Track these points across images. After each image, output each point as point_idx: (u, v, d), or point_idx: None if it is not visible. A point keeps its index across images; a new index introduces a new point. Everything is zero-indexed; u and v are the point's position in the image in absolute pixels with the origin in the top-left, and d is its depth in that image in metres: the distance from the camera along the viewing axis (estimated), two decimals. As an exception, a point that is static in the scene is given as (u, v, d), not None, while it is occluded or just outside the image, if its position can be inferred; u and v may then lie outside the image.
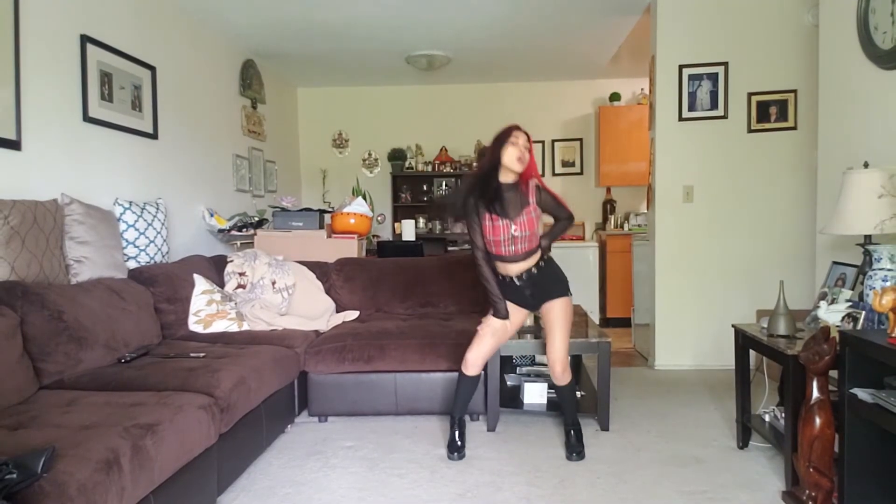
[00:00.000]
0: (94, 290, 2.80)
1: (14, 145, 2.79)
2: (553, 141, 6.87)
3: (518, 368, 3.79)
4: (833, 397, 2.18)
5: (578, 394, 3.41)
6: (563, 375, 2.84)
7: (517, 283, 2.83)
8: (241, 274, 3.81)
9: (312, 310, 3.84)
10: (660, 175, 4.46)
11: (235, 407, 2.46)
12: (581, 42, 5.41)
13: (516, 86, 6.79)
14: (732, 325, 2.93)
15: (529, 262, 2.80)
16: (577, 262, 6.07)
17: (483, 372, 3.21)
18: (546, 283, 2.82)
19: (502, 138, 2.72)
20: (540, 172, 6.84)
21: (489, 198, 2.73)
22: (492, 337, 2.87)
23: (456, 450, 2.83)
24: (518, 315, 2.92)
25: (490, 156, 2.74)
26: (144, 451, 1.83)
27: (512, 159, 2.69)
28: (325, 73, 6.39)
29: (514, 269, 2.81)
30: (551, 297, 2.81)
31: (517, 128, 2.74)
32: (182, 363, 2.65)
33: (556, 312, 2.79)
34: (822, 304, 2.51)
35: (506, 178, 2.75)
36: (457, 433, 2.87)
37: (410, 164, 6.87)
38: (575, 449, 2.82)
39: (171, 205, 4.07)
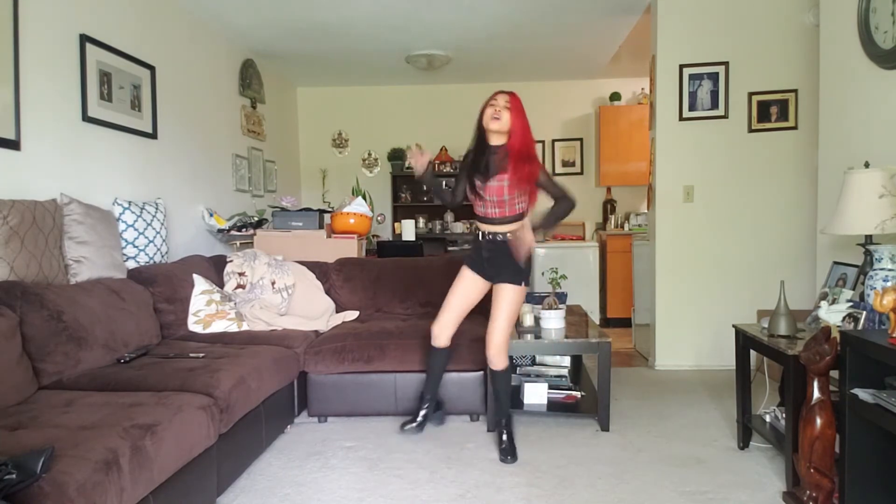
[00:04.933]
0: (94, 290, 2.79)
1: (13, 145, 2.79)
2: (553, 141, 6.87)
3: (518, 368, 3.78)
4: (834, 398, 2.17)
5: (578, 394, 3.41)
6: (496, 358, 2.86)
7: (481, 239, 2.88)
8: (241, 274, 3.81)
9: (312, 310, 3.84)
10: (660, 175, 4.46)
11: (235, 407, 2.45)
12: (581, 42, 5.41)
13: (516, 86, 6.71)
14: (733, 326, 2.93)
15: (498, 228, 2.83)
16: (577, 262, 6.06)
17: (483, 371, 3.22)
18: (505, 258, 2.81)
19: (486, 101, 2.83)
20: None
21: (476, 158, 2.85)
22: (456, 302, 2.96)
23: (411, 421, 3.05)
24: (477, 283, 2.95)
25: (477, 119, 2.86)
26: (144, 452, 1.82)
27: (487, 119, 2.79)
28: (325, 73, 6.39)
29: (484, 227, 2.88)
30: (503, 278, 2.84)
31: (500, 91, 2.82)
32: (181, 363, 2.64)
33: (503, 297, 2.84)
34: (823, 304, 2.51)
35: (493, 140, 2.81)
36: (423, 410, 3.06)
37: (410, 163, 6.85)
38: (508, 452, 2.80)
39: (170, 205, 4.06)
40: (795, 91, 4.29)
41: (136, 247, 3.39)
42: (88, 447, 1.68)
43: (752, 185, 4.37)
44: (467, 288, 2.96)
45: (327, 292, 4.03)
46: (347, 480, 2.61)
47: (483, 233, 2.87)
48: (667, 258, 4.47)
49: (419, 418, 3.06)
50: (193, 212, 4.46)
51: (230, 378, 2.50)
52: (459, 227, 6.79)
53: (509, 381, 2.95)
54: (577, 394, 3.41)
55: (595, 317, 6.13)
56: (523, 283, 2.85)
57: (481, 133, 2.85)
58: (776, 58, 4.30)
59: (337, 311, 3.98)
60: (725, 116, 4.37)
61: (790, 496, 2.34)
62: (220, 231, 4.52)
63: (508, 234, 2.80)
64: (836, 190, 2.77)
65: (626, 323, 5.86)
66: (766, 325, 2.65)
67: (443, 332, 2.99)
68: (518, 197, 2.77)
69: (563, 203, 2.81)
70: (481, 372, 3.24)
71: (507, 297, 2.83)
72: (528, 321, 3.42)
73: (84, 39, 3.25)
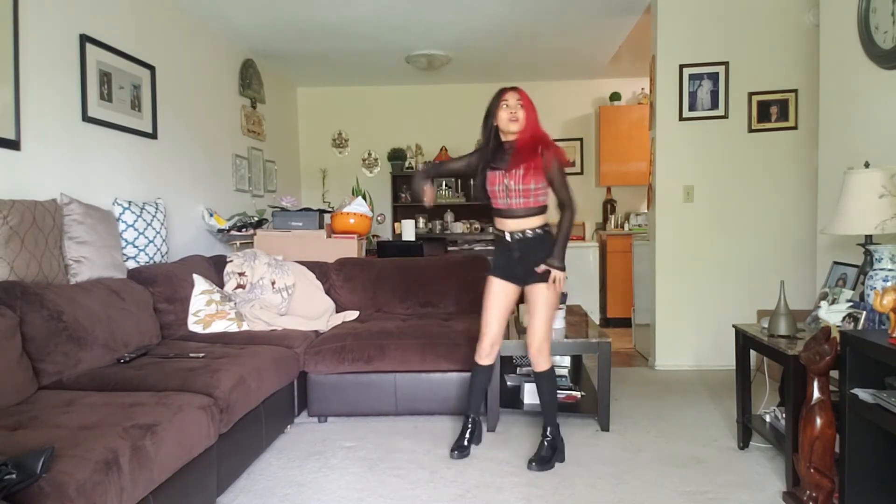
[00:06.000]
0: (94, 290, 2.79)
1: (13, 145, 2.79)
2: (553, 141, 6.85)
3: (518, 368, 3.79)
4: (834, 398, 2.17)
5: (578, 394, 3.41)
6: (538, 358, 2.76)
7: (509, 240, 2.74)
8: (241, 274, 3.81)
9: (312, 310, 3.84)
10: (660, 175, 4.46)
11: (235, 407, 2.45)
12: (581, 42, 5.41)
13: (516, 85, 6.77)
14: (733, 326, 2.93)
15: (525, 223, 2.72)
16: (577, 262, 6.06)
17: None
18: (537, 256, 2.72)
19: (494, 103, 2.75)
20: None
21: (490, 153, 2.78)
22: (495, 318, 2.83)
23: (458, 448, 2.84)
24: (508, 291, 2.82)
25: (486, 124, 2.78)
26: (144, 452, 1.82)
27: (505, 122, 2.71)
28: (325, 73, 6.39)
29: (508, 225, 2.74)
30: (536, 278, 2.72)
31: (507, 89, 2.76)
32: (181, 363, 2.64)
33: (539, 297, 2.74)
34: (823, 304, 2.51)
35: (509, 137, 2.76)
36: (467, 432, 2.89)
37: (410, 163, 6.87)
38: (541, 458, 2.71)
39: (170, 205, 4.06)
40: (795, 91, 4.29)
41: (136, 247, 3.39)
42: (88, 447, 1.68)
43: (752, 185, 4.37)
44: (501, 299, 2.82)
45: (327, 292, 4.03)
46: (347, 480, 2.61)
47: (511, 233, 2.74)
48: (667, 258, 4.47)
49: (465, 443, 2.88)
50: (193, 212, 4.46)
51: (230, 378, 2.50)
52: (459, 227, 6.79)
53: (553, 384, 2.83)
54: (577, 394, 3.41)
55: (595, 317, 6.13)
56: None
57: (495, 132, 2.78)
58: (776, 58, 4.30)
59: (337, 311, 3.98)
60: (725, 116, 4.37)
61: (790, 496, 2.34)
62: (220, 231, 4.52)
63: (539, 230, 2.72)
64: (836, 190, 2.77)
65: (626, 323, 5.86)
66: (766, 325, 2.65)
67: (493, 349, 2.87)
68: (541, 188, 2.70)
69: (565, 216, 2.71)
70: (481, 372, 3.24)
71: (542, 296, 2.73)
72: (528, 321, 3.41)
73: (84, 39, 3.25)
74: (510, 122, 2.70)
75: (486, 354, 2.88)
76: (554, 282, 2.70)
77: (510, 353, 3.27)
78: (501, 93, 2.75)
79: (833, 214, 2.55)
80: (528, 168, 2.67)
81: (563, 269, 2.69)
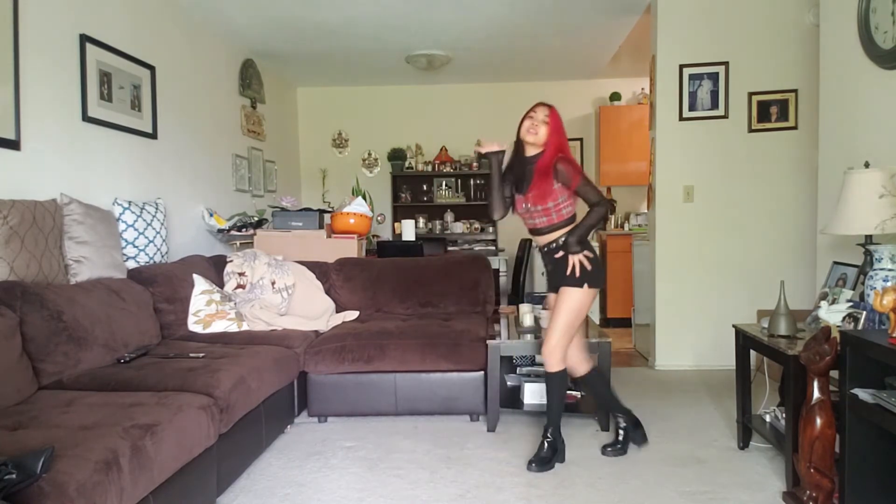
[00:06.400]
0: (94, 290, 2.79)
1: (13, 145, 2.79)
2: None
3: (518, 368, 3.78)
4: (834, 398, 2.17)
5: (577, 394, 3.40)
6: (546, 360, 2.72)
7: (541, 253, 2.87)
8: (241, 274, 3.81)
9: (312, 310, 3.84)
10: (660, 175, 4.46)
11: (235, 407, 2.45)
12: (581, 42, 5.41)
13: (516, 86, 6.78)
14: (733, 326, 2.93)
15: (552, 237, 2.76)
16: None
17: (484, 371, 3.22)
18: (564, 264, 2.72)
19: (526, 113, 2.80)
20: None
21: (513, 172, 2.83)
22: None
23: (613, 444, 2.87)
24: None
25: (517, 132, 2.83)
26: (144, 452, 1.82)
27: (524, 131, 2.78)
28: (325, 73, 6.39)
29: (538, 241, 2.85)
30: (563, 282, 2.72)
31: (541, 103, 2.81)
32: (181, 363, 2.64)
33: (560, 300, 2.73)
34: (823, 304, 2.51)
35: (529, 151, 2.79)
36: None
37: (410, 163, 6.87)
38: (541, 459, 2.70)
39: (170, 205, 4.06)
40: (795, 91, 4.29)
41: (136, 247, 3.39)
42: (88, 447, 1.68)
43: (752, 185, 4.37)
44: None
45: (327, 292, 4.03)
46: (347, 480, 2.61)
47: (539, 247, 2.83)
48: (667, 258, 4.47)
49: (619, 444, 2.87)
50: (193, 212, 4.46)
51: (230, 378, 2.50)
52: (459, 227, 6.79)
53: (561, 386, 2.76)
54: (577, 394, 3.41)
55: (595, 317, 6.13)
56: (585, 285, 2.68)
57: (519, 144, 2.82)
58: (776, 58, 4.30)
59: (337, 311, 3.98)
60: (725, 116, 4.37)
61: (790, 496, 2.34)
62: (220, 231, 4.52)
63: (561, 240, 2.73)
64: (836, 190, 2.77)
65: (626, 323, 5.85)
66: (766, 325, 2.65)
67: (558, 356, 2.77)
68: (562, 203, 2.70)
69: (591, 212, 2.69)
70: (481, 372, 3.25)
71: (564, 299, 2.71)
72: (528, 321, 3.42)
73: (84, 39, 3.25)
74: (527, 133, 2.75)
75: (552, 365, 2.78)
76: (573, 268, 2.69)
77: (510, 353, 3.27)
78: (535, 105, 2.80)
79: (833, 214, 2.55)
80: (544, 190, 2.68)
81: (577, 251, 2.69)
